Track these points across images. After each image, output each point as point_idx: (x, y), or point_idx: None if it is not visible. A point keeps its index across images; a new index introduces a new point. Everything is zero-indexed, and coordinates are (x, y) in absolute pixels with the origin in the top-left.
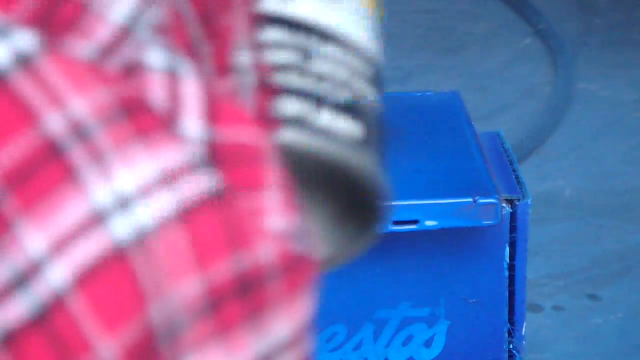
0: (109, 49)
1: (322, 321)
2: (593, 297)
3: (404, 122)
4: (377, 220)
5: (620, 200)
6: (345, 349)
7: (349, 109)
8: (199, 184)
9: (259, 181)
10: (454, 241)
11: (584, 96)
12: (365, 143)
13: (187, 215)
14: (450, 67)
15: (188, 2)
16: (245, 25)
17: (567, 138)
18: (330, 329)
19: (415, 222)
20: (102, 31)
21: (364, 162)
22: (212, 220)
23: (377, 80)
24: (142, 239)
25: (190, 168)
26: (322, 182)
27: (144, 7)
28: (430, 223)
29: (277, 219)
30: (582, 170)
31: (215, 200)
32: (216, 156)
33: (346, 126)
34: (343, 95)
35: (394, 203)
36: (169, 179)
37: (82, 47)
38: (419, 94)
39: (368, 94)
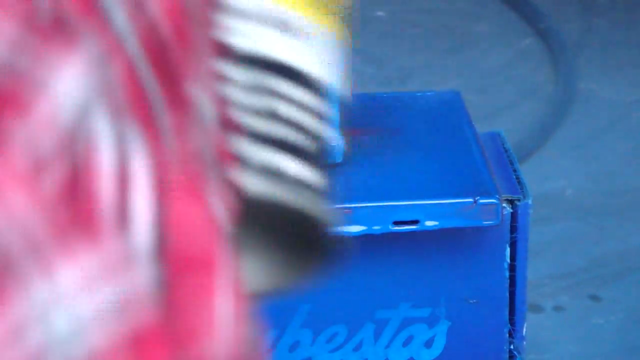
0: (56, 147)
1: (322, 321)
2: (594, 297)
3: (404, 122)
4: (329, 258)
5: (621, 200)
6: (346, 349)
7: (311, 156)
8: (142, 277)
9: (208, 268)
10: (454, 241)
11: (585, 96)
12: (322, 189)
13: (128, 316)
14: (450, 67)
15: (148, 65)
16: (207, 65)
17: (567, 138)
18: (330, 329)
19: (415, 222)
20: (46, 110)
21: (322, 209)
22: (153, 326)
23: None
24: (82, 336)
25: (134, 258)
26: (277, 224)
27: (93, 77)
28: (430, 223)
29: (225, 306)
30: (582, 170)
31: (158, 298)
32: (164, 240)
33: (306, 174)
34: (307, 142)
35: (394, 203)
36: (110, 271)
37: (24, 129)
38: (419, 94)
39: (328, 138)
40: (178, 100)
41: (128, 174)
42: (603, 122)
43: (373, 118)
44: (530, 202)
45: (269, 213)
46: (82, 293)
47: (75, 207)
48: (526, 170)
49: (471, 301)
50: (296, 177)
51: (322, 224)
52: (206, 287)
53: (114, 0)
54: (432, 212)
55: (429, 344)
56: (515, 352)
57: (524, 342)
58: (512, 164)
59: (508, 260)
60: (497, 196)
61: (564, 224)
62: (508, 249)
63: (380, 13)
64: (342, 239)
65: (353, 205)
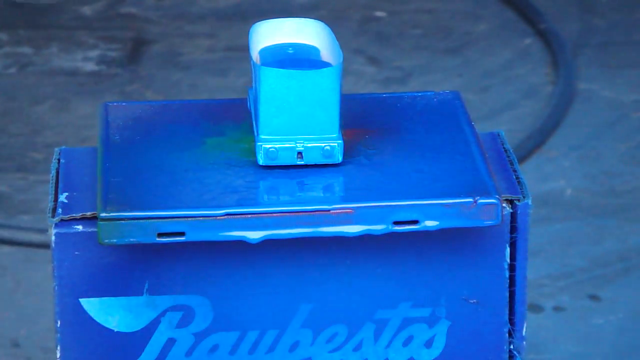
0: None
1: (322, 321)
2: (593, 297)
3: (405, 122)
4: None
5: (621, 200)
6: (345, 350)
7: None
8: None
9: None
10: (454, 241)
11: (585, 96)
12: None
13: None
14: (450, 67)
15: None
16: None
17: (567, 138)
18: (330, 329)
19: (415, 222)
20: None
21: None
22: None
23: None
24: None
25: None
26: None
27: None
28: (430, 223)
29: None
30: (582, 170)
31: None
32: None
33: None
34: None
35: (394, 203)
36: None
37: None
38: (419, 94)
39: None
40: None
41: None
42: (604, 122)
43: (373, 118)
44: (530, 202)
45: None
46: None
47: None
48: (526, 170)
49: (471, 301)
50: None
51: None
52: None
53: None
54: (432, 212)
55: (429, 343)
56: (515, 352)
57: (524, 342)
58: (512, 164)
59: (508, 260)
60: (497, 196)
61: (564, 224)
62: (508, 249)
63: (380, 13)
64: None
65: (353, 205)
